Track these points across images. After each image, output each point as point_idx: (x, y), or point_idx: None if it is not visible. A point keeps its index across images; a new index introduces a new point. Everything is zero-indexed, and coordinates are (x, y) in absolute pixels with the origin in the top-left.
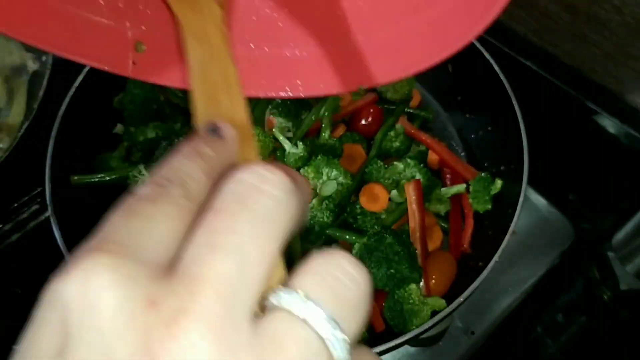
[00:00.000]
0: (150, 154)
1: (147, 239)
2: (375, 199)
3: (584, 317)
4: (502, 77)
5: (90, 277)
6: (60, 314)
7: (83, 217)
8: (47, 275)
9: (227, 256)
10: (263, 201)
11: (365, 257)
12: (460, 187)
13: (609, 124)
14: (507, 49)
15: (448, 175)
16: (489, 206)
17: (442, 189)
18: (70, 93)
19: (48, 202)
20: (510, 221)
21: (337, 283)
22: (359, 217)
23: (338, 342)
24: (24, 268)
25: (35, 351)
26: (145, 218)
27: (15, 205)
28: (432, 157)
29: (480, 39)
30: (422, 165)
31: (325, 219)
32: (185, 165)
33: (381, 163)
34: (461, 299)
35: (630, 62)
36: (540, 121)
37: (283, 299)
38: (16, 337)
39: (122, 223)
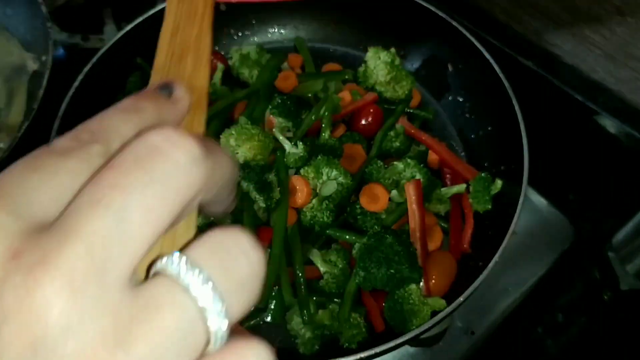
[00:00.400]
0: None
1: (38, 194)
2: (375, 199)
3: (584, 317)
4: (502, 77)
5: None
6: None
7: None
8: None
9: (107, 212)
10: (163, 164)
11: (365, 257)
12: (461, 187)
13: (610, 124)
14: (508, 48)
15: (448, 175)
16: (489, 206)
17: (442, 189)
18: (70, 93)
19: None
20: (511, 221)
21: (229, 256)
22: (359, 217)
23: (217, 315)
24: None
25: None
26: (45, 172)
27: None
28: (432, 157)
29: (480, 38)
30: (422, 165)
31: (325, 219)
32: (116, 120)
33: (381, 163)
34: (461, 299)
35: (630, 62)
36: (540, 121)
37: (168, 264)
38: None
39: (18, 174)
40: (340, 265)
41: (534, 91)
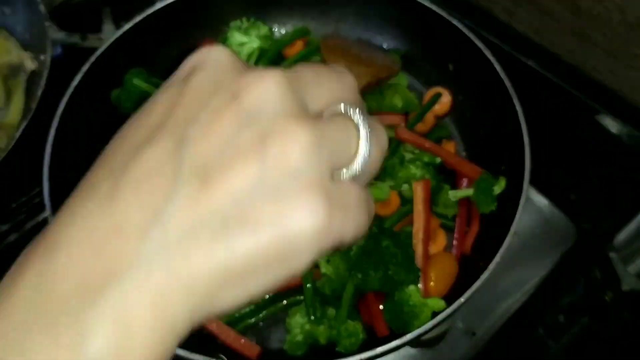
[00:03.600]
0: None
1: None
2: (386, 203)
3: (586, 318)
4: (503, 76)
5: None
6: (190, 64)
7: None
8: None
9: None
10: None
11: (362, 259)
12: (468, 191)
13: (611, 124)
14: (509, 47)
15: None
16: (494, 207)
17: (450, 192)
18: (69, 92)
19: (46, 202)
20: (512, 221)
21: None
22: None
23: (366, 141)
24: None
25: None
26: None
27: (14, 205)
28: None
29: (481, 37)
30: (431, 167)
31: None
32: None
33: (398, 160)
34: (462, 300)
35: (632, 60)
36: (541, 120)
37: (348, 110)
38: None
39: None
40: (340, 269)
41: (535, 90)
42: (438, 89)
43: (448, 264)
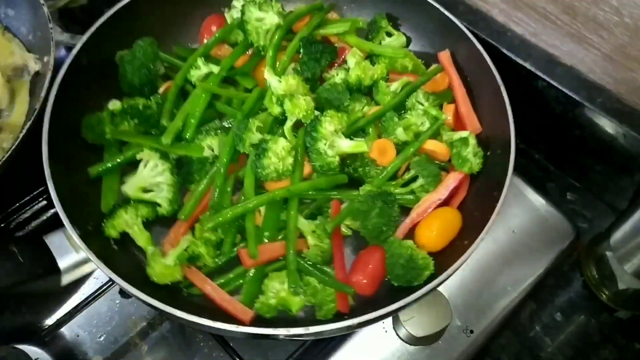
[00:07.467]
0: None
1: None
2: (384, 153)
3: (582, 316)
4: (499, 78)
5: None
6: None
7: (84, 216)
8: (49, 273)
9: None
10: None
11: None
12: (464, 134)
13: (608, 124)
14: (506, 49)
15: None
16: (470, 166)
17: (447, 134)
18: (55, 87)
19: (54, 199)
20: (496, 203)
21: None
22: (359, 169)
23: None
24: (26, 266)
25: None
26: None
27: (18, 204)
28: (440, 149)
29: (479, 38)
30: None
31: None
32: None
33: (396, 116)
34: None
35: (628, 62)
36: (539, 121)
37: None
38: (18, 333)
39: None
40: (327, 240)
41: (532, 91)
42: (439, 66)
43: (452, 217)
